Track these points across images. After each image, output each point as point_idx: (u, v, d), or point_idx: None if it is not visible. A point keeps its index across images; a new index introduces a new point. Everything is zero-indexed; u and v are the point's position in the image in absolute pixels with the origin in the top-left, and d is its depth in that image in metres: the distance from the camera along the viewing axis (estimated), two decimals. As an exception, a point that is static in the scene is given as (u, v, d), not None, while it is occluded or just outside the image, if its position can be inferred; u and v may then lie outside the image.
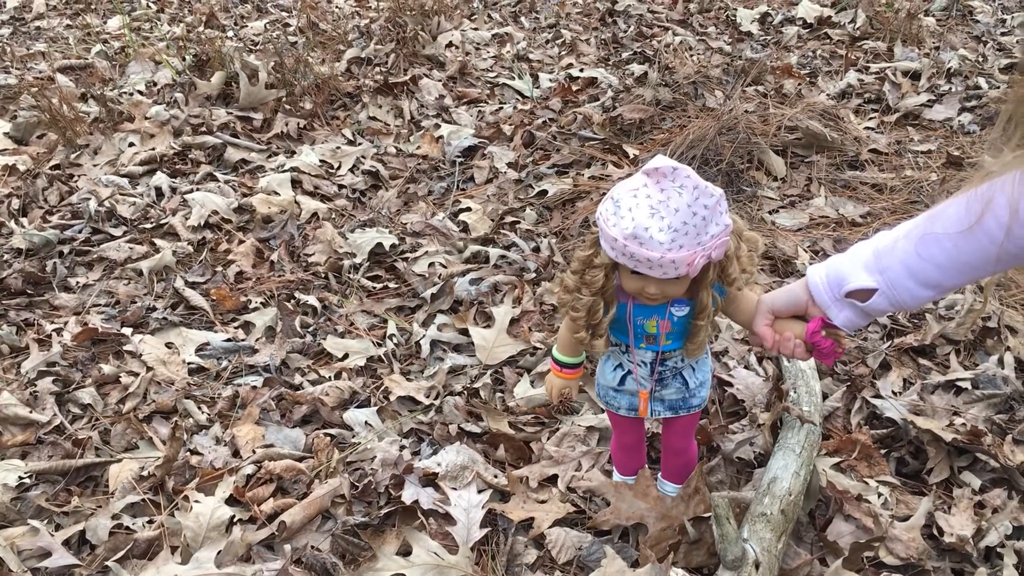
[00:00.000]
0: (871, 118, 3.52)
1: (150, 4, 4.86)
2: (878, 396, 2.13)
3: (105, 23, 4.61)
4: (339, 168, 3.34)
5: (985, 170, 1.06)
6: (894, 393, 2.15)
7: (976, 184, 1.08)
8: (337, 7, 4.94)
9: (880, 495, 1.86)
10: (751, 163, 3.17)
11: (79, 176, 3.21)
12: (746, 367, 2.27)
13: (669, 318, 1.48)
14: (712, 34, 4.38)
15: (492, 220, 3.02)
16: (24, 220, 2.94)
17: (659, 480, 1.86)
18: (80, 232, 2.88)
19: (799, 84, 3.73)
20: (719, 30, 4.44)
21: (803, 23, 4.40)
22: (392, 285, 2.72)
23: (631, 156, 3.27)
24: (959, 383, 2.13)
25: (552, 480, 1.96)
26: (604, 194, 2.99)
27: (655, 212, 1.28)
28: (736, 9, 4.57)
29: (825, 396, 2.15)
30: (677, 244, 1.28)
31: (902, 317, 2.42)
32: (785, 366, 2.23)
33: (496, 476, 1.96)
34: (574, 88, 3.84)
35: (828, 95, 3.67)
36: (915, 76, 3.74)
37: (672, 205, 1.27)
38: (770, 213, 2.98)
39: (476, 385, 2.26)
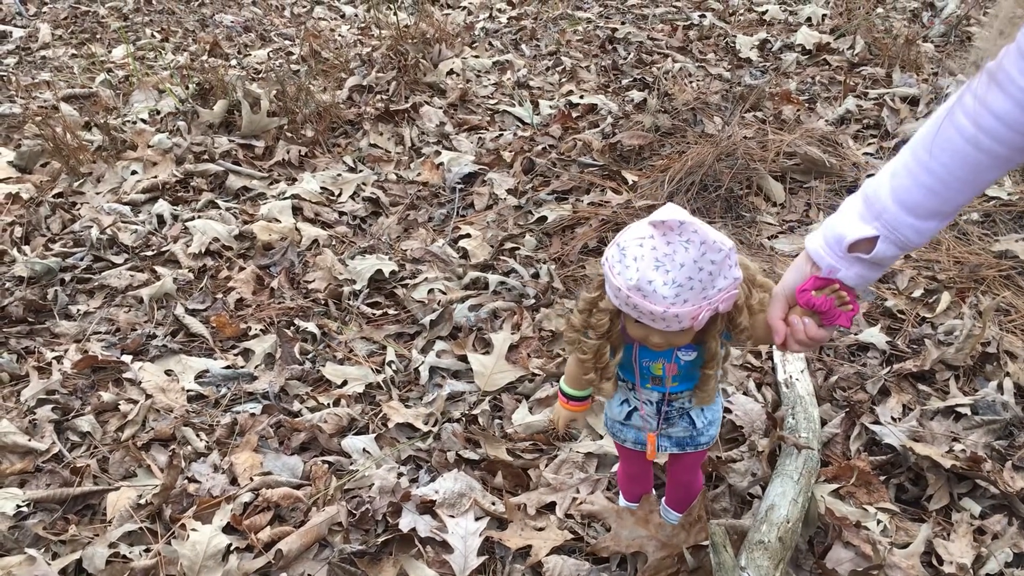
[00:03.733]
0: (870, 144, 3.53)
1: (154, 34, 4.91)
2: (877, 422, 2.13)
3: (110, 52, 4.65)
4: (340, 195, 3.36)
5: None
6: (893, 419, 2.14)
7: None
8: (340, 36, 4.99)
9: (879, 522, 1.86)
10: (750, 189, 3.18)
11: (82, 204, 3.23)
12: (744, 393, 2.26)
13: (676, 361, 1.46)
14: (711, 61, 4.41)
15: (491, 246, 3.03)
16: (26, 248, 2.96)
17: (663, 507, 1.85)
18: (82, 260, 2.90)
19: (798, 110, 3.75)
20: (718, 57, 4.47)
21: (802, 50, 4.43)
22: (392, 312, 2.72)
23: (630, 182, 3.28)
24: (958, 409, 2.13)
25: (550, 507, 1.95)
26: (603, 220, 3.01)
27: (660, 265, 1.25)
28: (735, 36, 4.60)
29: (824, 422, 2.15)
30: (681, 299, 1.25)
31: (901, 343, 2.42)
32: (784, 392, 2.23)
33: (494, 503, 1.96)
34: (574, 115, 3.87)
35: (827, 121, 3.68)
36: (914, 102, 3.76)
37: (678, 259, 1.24)
38: (769, 239, 2.99)
39: (475, 412, 2.26)
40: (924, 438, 2.06)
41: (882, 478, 1.98)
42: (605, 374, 1.45)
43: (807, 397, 2.18)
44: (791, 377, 2.26)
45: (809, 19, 4.73)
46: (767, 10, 4.92)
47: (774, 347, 2.00)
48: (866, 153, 3.45)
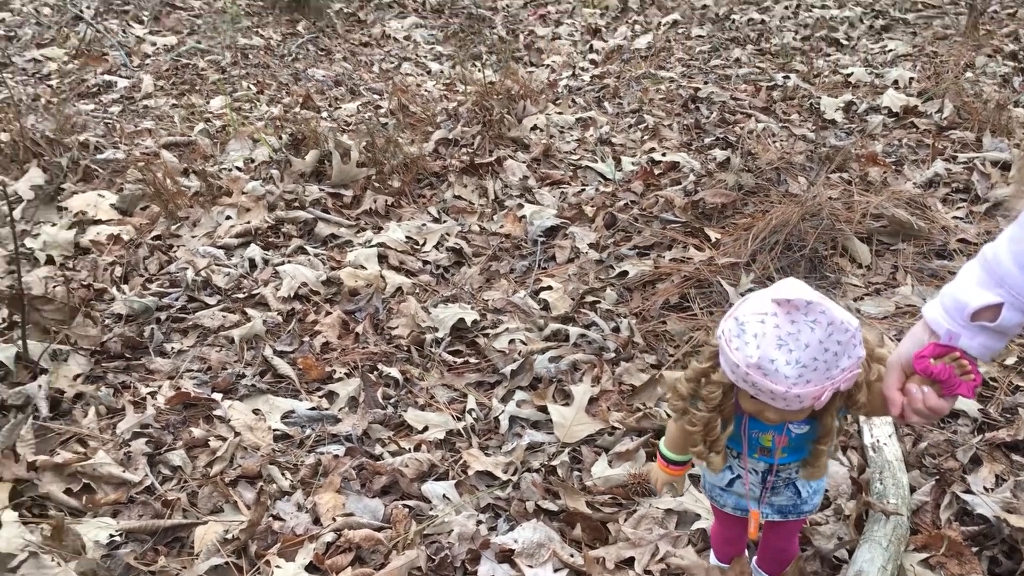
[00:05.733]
0: (959, 207, 3.48)
1: (250, 86, 5.11)
2: (969, 491, 2.07)
3: (208, 103, 4.86)
4: (424, 245, 3.43)
5: None
6: (986, 489, 2.08)
7: None
8: (426, 91, 5.13)
9: (972, 595, 1.79)
10: (835, 249, 3.15)
11: (178, 247, 3.36)
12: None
13: (787, 434, 1.42)
14: (795, 121, 4.41)
15: (572, 299, 3.05)
16: (125, 287, 3.08)
17: (755, 568, 1.81)
18: (177, 300, 3.01)
19: (884, 172, 3.72)
20: (802, 118, 4.46)
21: (888, 112, 4.40)
22: (473, 360, 2.76)
23: (713, 240, 3.28)
24: (1056, 481, 2.05)
25: (629, 562, 1.94)
26: (685, 277, 3.00)
27: (783, 344, 1.21)
28: (820, 97, 4.59)
29: (913, 489, 2.09)
30: (804, 379, 1.21)
31: (994, 411, 2.35)
32: (871, 456, 2.18)
33: (572, 555, 1.95)
34: (656, 172, 3.89)
35: (914, 183, 3.64)
36: (1005, 167, 3.69)
37: (803, 339, 1.21)
38: (855, 300, 2.95)
39: (554, 463, 2.26)
40: (1019, 509, 1.99)
41: (974, 549, 1.92)
42: (714, 447, 1.41)
43: (895, 462, 2.13)
44: (878, 441, 2.21)
45: (896, 82, 4.70)
46: (852, 72, 4.91)
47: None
48: (955, 217, 3.39)
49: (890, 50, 5.24)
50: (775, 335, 1.20)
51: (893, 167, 3.81)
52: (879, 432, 2.25)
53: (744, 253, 3.10)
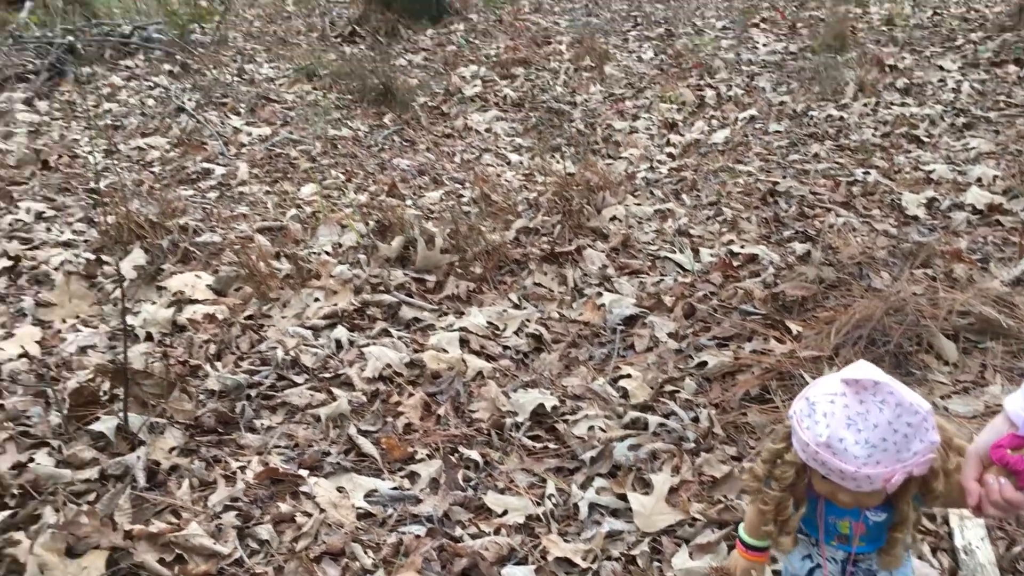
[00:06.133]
0: (1049, 306, 3.41)
1: (339, 174, 5.33)
2: (1069, 600, 1.99)
3: (299, 190, 5.07)
4: (504, 330, 3.50)
5: None
6: (1087, 598, 2.00)
7: None
8: (507, 181, 5.27)
9: None
10: (920, 346, 3.11)
11: (269, 326, 3.48)
12: (919, 557, 2.17)
13: (864, 521, 1.42)
14: (876, 216, 4.40)
15: (651, 388, 3.06)
16: (219, 364, 3.20)
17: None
18: (267, 378, 3.11)
19: (970, 269, 3.68)
20: (883, 213, 4.46)
21: (972, 209, 4.37)
22: (552, 446, 2.78)
23: (794, 332, 3.27)
24: None
25: (712, 657, 1.91)
26: (765, 369, 3.00)
27: (852, 423, 1.24)
28: (901, 193, 4.59)
29: (1009, 595, 2.03)
30: (874, 460, 1.23)
31: (1093, 516, 2.27)
32: (962, 559, 2.12)
33: (654, 647, 1.93)
34: (735, 263, 3.92)
35: (1002, 281, 3.59)
36: (1096, 265, 3.62)
37: (871, 419, 1.23)
38: (942, 398, 2.90)
39: (634, 552, 2.26)
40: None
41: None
42: (785, 528, 1.42)
43: (988, 566, 2.08)
44: (970, 544, 2.16)
45: (979, 179, 4.67)
46: (934, 169, 4.90)
47: (961, 511, 1.92)
48: (1045, 316, 3.33)
49: (972, 148, 5.21)
50: (844, 415, 1.24)
51: (979, 264, 3.77)
52: (971, 535, 2.19)
53: (827, 347, 3.08)
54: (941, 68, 6.76)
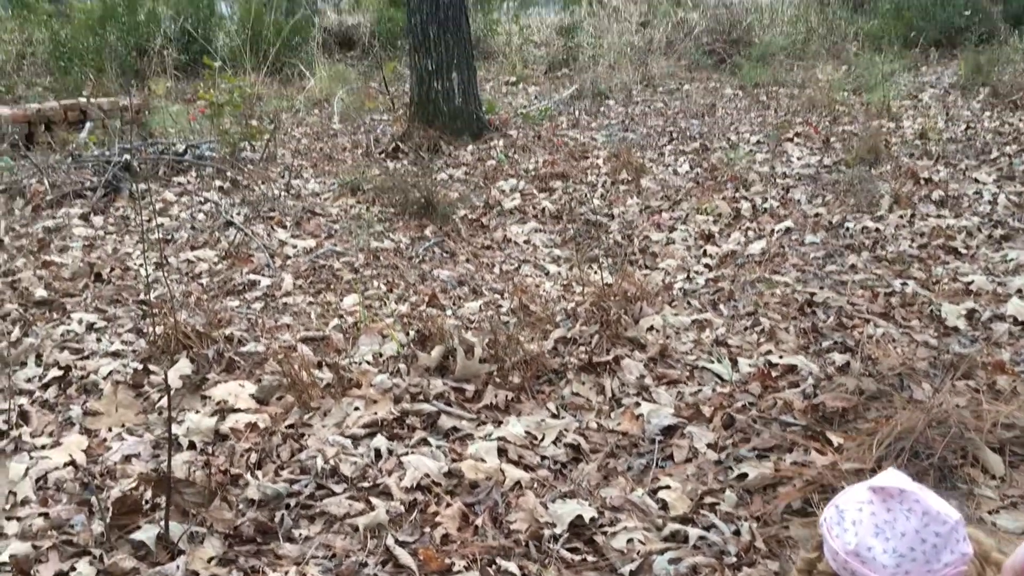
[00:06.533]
0: (1098, 418, 3.34)
1: (381, 285, 5.45)
2: None
3: (341, 300, 5.18)
4: (542, 440, 3.50)
5: None
6: None
7: None
8: (545, 291, 5.35)
9: None
10: (965, 459, 3.06)
11: (309, 435, 3.52)
12: None
13: None
14: (916, 328, 4.39)
15: (691, 499, 3.03)
16: (259, 473, 3.24)
17: None
18: (306, 487, 3.13)
19: (1014, 381, 3.64)
20: (923, 324, 4.44)
21: (1014, 320, 4.34)
22: (591, 558, 2.75)
23: (835, 444, 3.24)
24: None
25: None
26: (807, 481, 2.97)
27: (880, 532, 1.24)
28: (940, 304, 4.57)
29: None
30: (903, 569, 1.23)
31: None
32: None
33: None
34: (773, 374, 3.91)
35: (1046, 393, 3.54)
36: None
37: (899, 528, 1.24)
38: (989, 513, 2.84)
39: (675, 670, 2.20)
40: None
41: None
42: None
43: None
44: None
45: (1020, 291, 4.65)
46: (973, 280, 4.89)
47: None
48: (1094, 428, 3.26)
49: (1012, 259, 5.21)
50: (872, 523, 1.24)
51: (1022, 376, 3.72)
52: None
53: (869, 459, 3.05)
54: (976, 181, 6.81)
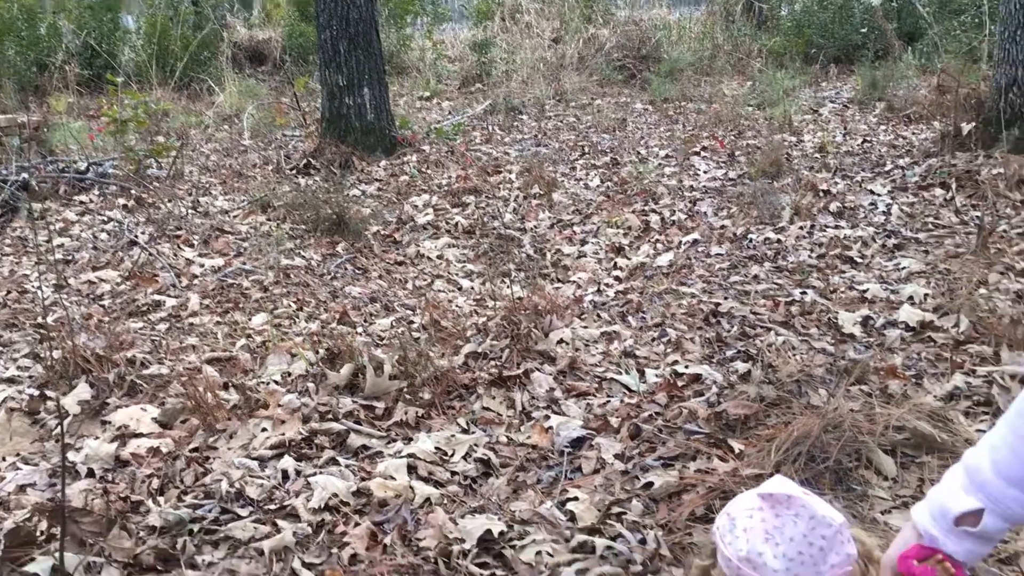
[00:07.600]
0: (983, 420, 3.51)
1: (291, 303, 5.38)
2: None
3: (250, 320, 5.09)
4: (453, 455, 3.50)
5: None
6: None
7: None
8: (457, 307, 5.36)
9: None
10: (859, 461, 3.18)
11: (214, 458, 3.45)
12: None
13: None
14: (814, 335, 4.54)
15: (599, 510, 3.07)
16: (161, 499, 3.16)
17: None
18: (210, 512, 3.07)
19: (905, 385, 3.79)
20: (821, 331, 4.60)
21: (905, 327, 4.52)
22: (499, 572, 2.76)
23: (737, 451, 3.32)
24: None
25: None
26: (710, 488, 3.03)
27: (770, 538, 1.29)
28: (837, 312, 4.74)
29: None
30: (792, 573, 1.27)
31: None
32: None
33: None
34: (679, 383, 3.99)
35: (935, 396, 3.70)
36: (1024, 379, 3.75)
37: (787, 533, 1.29)
38: (882, 513, 2.95)
39: None
40: None
41: None
42: None
43: None
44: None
45: (911, 298, 4.85)
46: (868, 288, 5.08)
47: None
48: (979, 430, 3.41)
49: (904, 267, 5.43)
50: (762, 528, 1.28)
51: (913, 380, 3.88)
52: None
53: (768, 464, 3.14)
54: (872, 192, 7.08)
